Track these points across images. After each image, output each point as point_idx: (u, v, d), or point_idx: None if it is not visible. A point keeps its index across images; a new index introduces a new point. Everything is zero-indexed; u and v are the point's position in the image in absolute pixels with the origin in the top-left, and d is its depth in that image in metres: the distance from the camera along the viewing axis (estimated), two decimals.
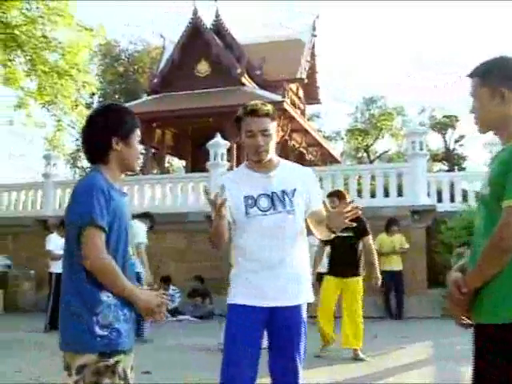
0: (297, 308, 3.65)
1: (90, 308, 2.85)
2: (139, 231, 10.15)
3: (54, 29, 13.27)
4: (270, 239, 3.59)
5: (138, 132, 3.19)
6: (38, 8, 13.11)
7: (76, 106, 14.36)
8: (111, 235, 2.94)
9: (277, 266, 3.59)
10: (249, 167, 3.80)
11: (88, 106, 26.94)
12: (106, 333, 2.86)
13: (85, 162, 31.31)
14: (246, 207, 3.63)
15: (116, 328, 2.89)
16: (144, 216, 10.80)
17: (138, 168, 3.33)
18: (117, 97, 36.31)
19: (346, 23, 74.89)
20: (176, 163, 38.63)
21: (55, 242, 11.37)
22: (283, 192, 3.65)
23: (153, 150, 26.59)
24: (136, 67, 38.24)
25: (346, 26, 71.08)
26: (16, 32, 12.72)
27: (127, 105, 23.18)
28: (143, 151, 26.32)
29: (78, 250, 2.87)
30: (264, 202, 3.63)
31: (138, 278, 9.39)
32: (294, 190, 3.66)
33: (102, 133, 3.08)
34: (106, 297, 2.88)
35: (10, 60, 13.56)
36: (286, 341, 3.64)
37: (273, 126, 3.68)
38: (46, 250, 11.70)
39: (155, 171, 27.59)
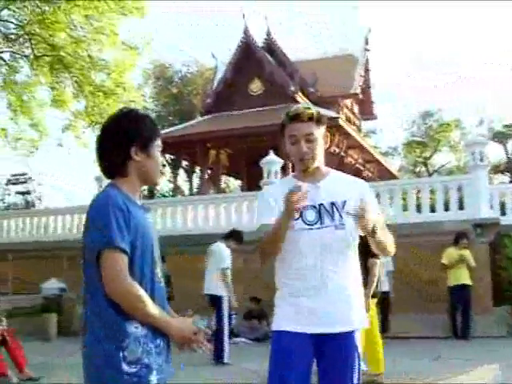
0: (349, 335, 3.22)
1: (113, 338, 2.54)
2: (224, 255, 9.76)
3: (100, 49, 13.31)
4: (316, 256, 3.19)
5: (158, 141, 2.89)
6: (82, 28, 13.15)
7: None
8: (135, 254, 2.63)
9: (323, 287, 3.18)
10: (296, 177, 3.42)
11: None
12: (134, 370, 2.53)
13: None
14: None
15: (146, 363, 2.57)
16: (229, 236, 10.21)
17: (160, 181, 3.03)
18: (171, 118, 36.53)
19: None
20: (232, 183, 38.65)
21: None
22: (332, 204, 3.25)
23: (209, 171, 26.54)
24: (190, 89, 38.44)
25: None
26: (62, 53, 12.76)
27: (181, 126, 23.28)
28: (199, 172, 26.29)
29: (98, 274, 2.56)
30: (310, 215, 3.22)
31: (216, 301, 9.58)
32: (345, 201, 3.25)
33: (120, 142, 2.78)
34: (133, 328, 2.56)
35: (58, 82, 13.62)
36: (337, 372, 3.22)
37: (318, 131, 3.33)
38: None
39: (211, 192, 27.47)
